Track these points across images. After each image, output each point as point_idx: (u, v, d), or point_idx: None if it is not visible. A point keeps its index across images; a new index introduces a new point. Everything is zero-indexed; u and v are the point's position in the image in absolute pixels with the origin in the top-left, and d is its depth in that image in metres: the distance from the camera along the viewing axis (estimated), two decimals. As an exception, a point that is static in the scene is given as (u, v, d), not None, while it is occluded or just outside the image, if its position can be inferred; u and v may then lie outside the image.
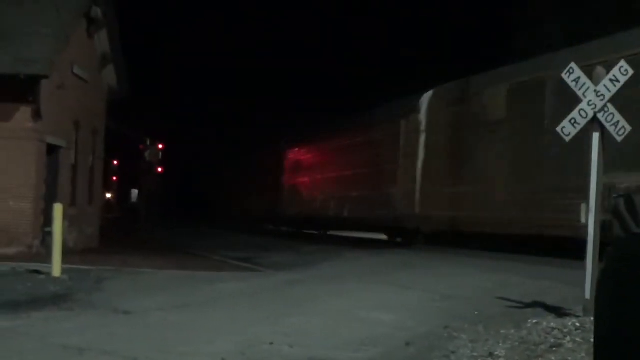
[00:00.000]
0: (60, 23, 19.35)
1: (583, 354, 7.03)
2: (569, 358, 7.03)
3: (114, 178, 54.45)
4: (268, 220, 43.41)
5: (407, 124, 25.95)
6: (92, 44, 22.89)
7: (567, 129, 9.26)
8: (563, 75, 9.31)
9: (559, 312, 9.23)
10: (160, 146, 47.86)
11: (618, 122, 9.00)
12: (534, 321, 8.57)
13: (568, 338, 7.69)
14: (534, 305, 9.97)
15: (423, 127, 24.64)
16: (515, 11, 35.30)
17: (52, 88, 18.96)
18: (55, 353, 7.45)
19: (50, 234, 14.88)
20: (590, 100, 9.06)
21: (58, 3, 19.81)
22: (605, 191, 15.32)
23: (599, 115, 9.02)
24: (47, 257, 14.81)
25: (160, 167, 48.96)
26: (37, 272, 13.82)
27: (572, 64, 9.28)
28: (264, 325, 9.02)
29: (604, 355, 3.94)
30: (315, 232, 36.30)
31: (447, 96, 23.95)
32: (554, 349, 7.35)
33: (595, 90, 9.04)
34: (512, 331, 8.15)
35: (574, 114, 9.19)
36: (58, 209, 14.10)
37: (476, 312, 9.64)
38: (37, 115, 18.40)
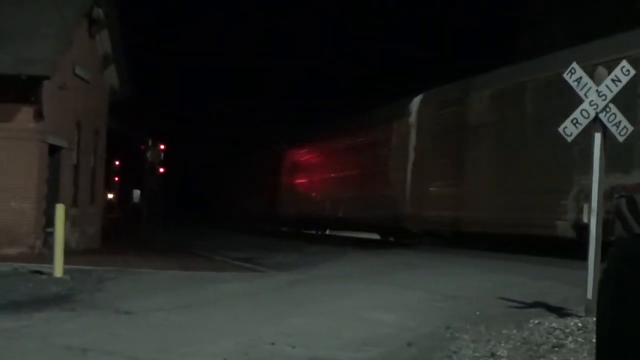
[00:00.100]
0: (62, 24, 19.36)
1: (585, 354, 7.03)
2: (571, 358, 7.02)
3: (116, 178, 54.46)
4: (268, 220, 43.60)
5: (398, 126, 26.65)
6: (93, 44, 22.91)
7: (569, 129, 9.25)
8: (565, 75, 9.31)
9: (560, 312, 9.22)
10: (162, 146, 47.93)
11: (620, 122, 9.00)
12: (536, 321, 8.56)
13: (570, 338, 7.69)
14: (536, 305, 9.96)
15: (413, 130, 25.41)
16: (516, 11, 35.28)
17: (54, 88, 18.97)
18: (57, 353, 7.45)
19: (52, 234, 14.89)
20: (592, 100, 9.05)
21: (60, 3, 19.82)
22: (582, 193, 16.56)
23: (601, 116, 9.02)
24: (49, 258, 14.82)
25: (161, 167, 49.01)
26: (39, 272, 13.83)
27: (574, 64, 9.27)
28: (266, 325, 9.02)
29: (605, 356, 3.93)
30: (313, 232, 36.61)
31: (434, 100, 24.72)
32: (556, 349, 7.35)
33: (597, 90, 9.03)
34: (514, 331, 8.14)
35: (576, 114, 9.18)
36: (60, 210, 14.11)
37: (478, 312, 9.63)
38: (38, 115, 18.41)
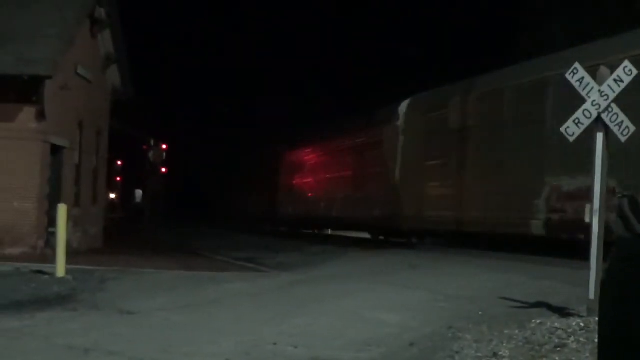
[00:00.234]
0: (64, 24, 19.38)
1: (587, 354, 7.02)
2: (573, 358, 7.02)
3: (118, 178, 54.51)
4: (267, 221, 43.93)
5: (387, 129, 27.53)
6: (95, 44, 22.92)
7: (571, 129, 9.24)
8: (567, 75, 9.29)
9: (562, 312, 9.21)
10: (164, 146, 47.94)
11: (622, 122, 8.98)
12: (538, 321, 8.55)
13: (572, 338, 7.68)
14: (538, 305, 9.95)
15: (401, 132, 26.33)
16: (516, 11, 35.27)
17: (56, 88, 18.98)
18: (59, 353, 7.46)
19: (54, 234, 14.89)
20: (594, 101, 9.04)
21: (61, 4, 19.85)
22: (552, 193, 17.59)
23: (603, 116, 9.01)
24: (51, 258, 14.83)
25: (163, 167, 49.03)
26: (41, 272, 13.84)
27: (576, 64, 9.26)
28: (267, 325, 9.02)
29: (608, 356, 3.93)
30: (311, 232, 37.13)
31: (421, 104, 25.73)
32: (558, 349, 7.34)
33: (599, 91, 9.03)
34: (516, 331, 8.13)
35: (578, 114, 9.17)
36: (62, 210, 14.12)
37: (480, 312, 9.62)
38: (41, 115, 18.43)
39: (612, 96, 8.99)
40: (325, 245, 26.26)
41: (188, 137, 59.43)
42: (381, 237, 28.97)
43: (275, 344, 7.82)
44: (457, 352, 7.35)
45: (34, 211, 18.55)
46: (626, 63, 9.03)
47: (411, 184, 25.17)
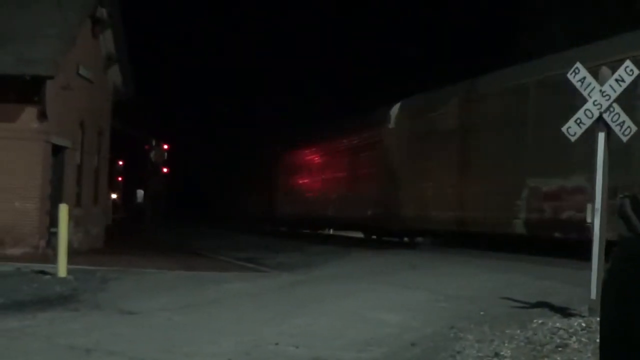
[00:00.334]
0: (65, 24, 19.38)
1: (589, 354, 7.02)
2: (575, 358, 7.02)
3: (119, 178, 54.50)
4: (267, 221, 44.21)
5: (379, 132, 28.45)
6: (97, 44, 22.92)
7: (573, 129, 9.24)
8: (568, 75, 9.29)
9: (564, 312, 9.21)
10: (166, 146, 47.94)
11: (624, 122, 8.98)
12: (540, 321, 8.55)
13: (574, 338, 7.68)
14: (539, 305, 9.95)
15: (391, 135, 27.31)
16: (516, 11, 35.25)
17: (58, 88, 18.98)
18: (61, 353, 7.47)
19: (55, 234, 14.90)
20: (596, 100, 9.04)
21: (63, 4, 19.85)
22: (532, 194, 18.37)
23: (605, 115, 9.00)
24: (52, 258, 14.84)
25: (165, 167, 49.04)
26: (42, 272, 13.84)
27: (578, 64, 9.26)
28: (269, 325, 9.02)
29: (609, 356, 3.93)
30: (309, 232, 37.54)
31: (410, 108, 26.69)
32: (560, 349, 7.34)
33: (600, 90, 9.02)
34: (518, 331, 8.13)
35: (580, 113, 9.16)
36: (63, 210, 14.12)
37: (481, 312, 9.62)
38: (42, 115, 18.43)
39: (613, 96, 8.99)
40: (325, 245, 26.28)
41: (188, 137, 59.47)
42: (373, 237, 29.64)
43: (276, 344, 7.83)
44: (458, 352, 7.35)
45: (35, 211, 18.55)
46: (627, 63, 9.03)
47: (401, 185, 26.08)
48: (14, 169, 18.35)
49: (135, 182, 54.66)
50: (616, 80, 8.98)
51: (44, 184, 18.84)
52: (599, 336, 4.27)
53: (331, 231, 36.66)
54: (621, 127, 8.98)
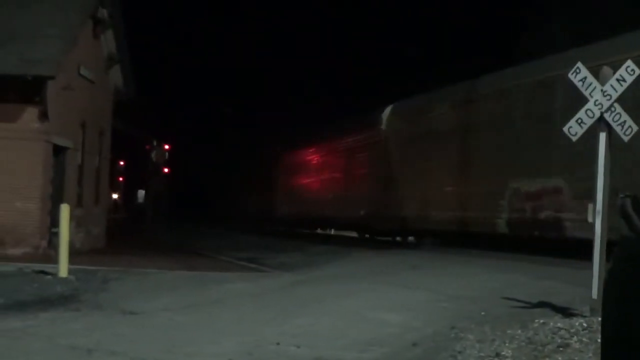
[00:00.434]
0: (66, 24, 19.39)
1: (590, 354, 7.02)
2: (576, 358, 7.01)
3: (121, 179, 54.51)
4: (267, 221, 44.40)
5: (371, 134, 29.26)
6: (98, 44, 22.94)
7: (574, 128, 9.23)
8: (569, 75, 9.29)
9: (565, 312, 9.20)
10: (167, 147, 47.95)
11: (625, 122, 8.97)
12: (541, 321, 8.55)
13: (575, 338, 7.67)
14: (540, 305, 9.94)
15: (383, 137, 28.13)
16: (517, 11, 35.22)
17: (59, 89, 18.99)
18: (62, 353, 7.47)
19: (56, 234, 14.91)
20: (597, 100, 9.04)
21: (64, 4, 19.86)
22: (513, 194, 19.18)
23: (606, 115, 9.00)
24: (53, 258, 14.84)
25: (166, 167, 49.05)
26: (44, 272, 13.85)
27: (579, 64, 9.26)
28: (270, 325, 9.03)
29: (611, 356, 3.93)
30: (309, 232, 37.87)
31: (401, 111, 27.50)
32: (561, 349, 7.33)
33: (601, 90, 9.02)
34: (519, 331, 8.13)
35: (581, 113, 9.16)
36: (65, 210, 14.13)
37: (482, 313, 9.62)
38: (43, 116, 18.43)
39: (614, 96, 8.98)
40: (326, 245, 26.29)
41: (189, 137, 59.48)
42: (367, 236, 30.43)
43: (278, 343, 7.83)
44: (459, 352, 7.35)
45: (36, 211, 18.56)
46: (629, 62, 9.03)
47: (392, 185, 26.81)
48: (15, 169, 18.36)
49: (136, 183, 54.68)
50: (617, 80, 8.98)
51: (45, 184, 18.85)
52: (600, 336, 4.27)
53: (332, 231, 36.77)
54: (622, 126, 8.97)
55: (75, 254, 15.60)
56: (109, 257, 18.89)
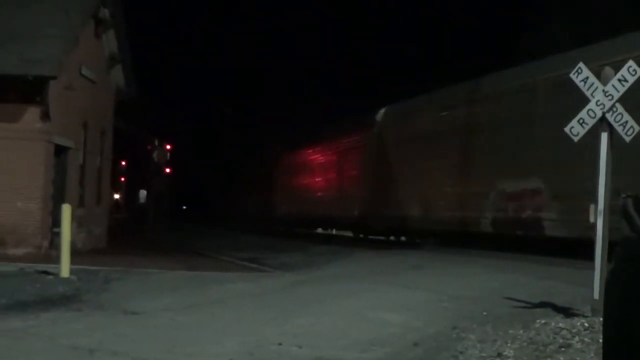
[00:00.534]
0: (68, 24, 19.40)
1: (592, 354, 7.02)
2: (578, 358, 7.01)
3: (122, 179, 54.51)
4: (266, 221, 44.50)
5: (366, 135, 29.94)
6: (99, 44, 22.95)
7: (576, 129, 9.23)
8: (571, 75, 9.29)
9: (567, 312, 9.20)
10: (168, 147, 47.96)
11: (626, 122, 8.97)
12: (543, 321, 8.54)
13: (577, 338, 7.67)
14: (542, 305, 9.94)
15: (376, 138, 28.78)
16: (517, 11, 35.19)
17: (60, 89, 19.00)
18: (64, 353, 7.48)
19: (58, 234, 14.92)
20: (599, 100, 9.03)
21: (66, 4, 19.87)
22: (499, 195, 20.01)
23: (608, 115, 9.00)
24: (55, 258, 14.85)
25: (168, 167, 49.05)
26: (45, 272, 13.86)
27: (580, 64, 9.26)
28: (272, 325, 9.03)
29: (612, 356, 3.93)
30: (308, 232, 38.16)
31: (393, 113, 28.17)
32: (563, 349, 7.33)
33: (603, 90, 9.02)
34: (521, 331, 8.13)
35: (582, 114, 9.15)
36: (66, 210, 14.13)
37: (484, 313, 9.62)
38: (45, 116, 18.45)
39: (616, 96, 8.98)
40: (327, 246, 26.30)
41: (190, 137, 59.52)
42: (361, 235, 31.08)
43: (279, 344, 7.83)
44: (461, 352, 7.35)
45: (38, 211, 18.57)
46: (630, 63, 9.03)
47: (384, 186, 27.43)
48: (16, 169, 18.37)
49: (138, 183, 54.67)
50: (619, 80, 8.97)
51: (47, 184, 18.86)
52: (602, 336, 4.27)
53: (334, 231, 36.85)
54: (624, 127, 8.97)
55: (76, 254, 15.61)
56: (110, 257, 18.89)
